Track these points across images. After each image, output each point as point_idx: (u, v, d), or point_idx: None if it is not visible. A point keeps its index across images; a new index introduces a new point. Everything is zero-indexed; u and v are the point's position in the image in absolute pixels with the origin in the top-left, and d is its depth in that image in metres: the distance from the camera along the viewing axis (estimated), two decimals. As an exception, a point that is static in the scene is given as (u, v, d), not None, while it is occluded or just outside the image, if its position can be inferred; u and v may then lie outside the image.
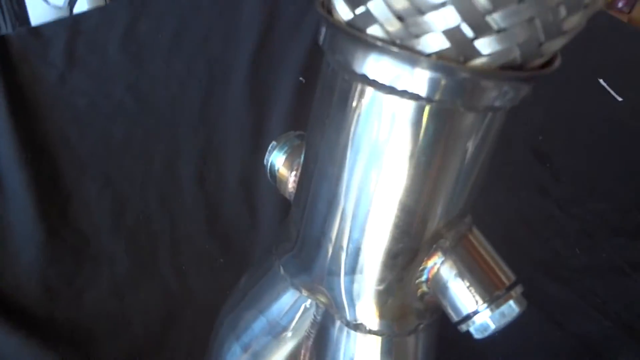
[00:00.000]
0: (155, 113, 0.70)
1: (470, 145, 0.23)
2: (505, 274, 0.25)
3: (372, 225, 0.24)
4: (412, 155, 0.22)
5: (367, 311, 0.27)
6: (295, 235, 0.28)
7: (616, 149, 0.72)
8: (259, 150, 0.66)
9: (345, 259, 0.25)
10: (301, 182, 0.27)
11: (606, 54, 0.87)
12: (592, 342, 0.51)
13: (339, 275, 0.26)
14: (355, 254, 0.25)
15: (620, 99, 0.78)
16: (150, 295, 0.52)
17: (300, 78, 0.75)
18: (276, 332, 0.31)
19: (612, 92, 0.79)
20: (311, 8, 0.87)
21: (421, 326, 0.27)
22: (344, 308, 0.27)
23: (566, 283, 0.55)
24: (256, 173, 0.63)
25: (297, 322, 0.30)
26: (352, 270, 0.26)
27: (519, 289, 0.25)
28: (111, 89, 0.72)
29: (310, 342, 0.30)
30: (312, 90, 0.25)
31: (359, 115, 0.23)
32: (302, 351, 0.31)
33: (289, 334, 0.30)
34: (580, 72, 0.82)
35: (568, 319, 0.53)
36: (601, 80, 0.81)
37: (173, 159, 0.65)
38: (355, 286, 0.26)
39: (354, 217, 0.24)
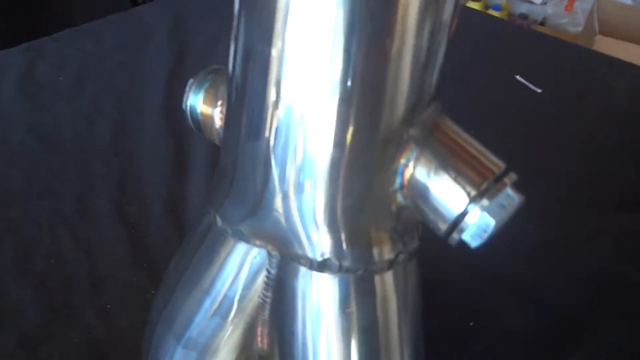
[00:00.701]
0: (61, 152, 0.63)
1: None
2: (493, 162, 0.20)
3: (327, 113, 0.19)
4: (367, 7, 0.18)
5: (335, 240, 0.21)
6: (231, 166, 0.22)
7: (543, 132, 0.72)
8: (183, 175, 0.60)
9: (301, 171, 0.20)
10: (231, 99, 0.22)
11: (518, 55, 0.89)
12: (570, 315, 0.48)
13: (294, 196, 0.20)
14: (313, 160, 0.20)
15: (539, 91, 0.79)
16: (69, 344, 0.44)
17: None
18: (224, 311, 0.25)
19: (530, 85, 0.80)
20: (222, 38, 0.85)
21: (401, 256, 0.22)
22: (305, 243, 0.21)
23: (531, 260, 0.52)
24: (182, 195, 0.57)
25: (247, 286, 0.24)
26: (313, 183, 0.20)
27: (513, 176, 0.20)
28: (8, 132, 0.64)
29: (266, 312, 0.24)
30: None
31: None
32: (259, 328, 0.25)
33: (239, 306, 0.24)
34: (497, 72, 0.84)
35: (542, 295, 0.49)
36: (518, 77, 0.82)
37: (85, 195, 0.57)
38: (318, 206, 0.20)
39: (301, 108, 0.19)
